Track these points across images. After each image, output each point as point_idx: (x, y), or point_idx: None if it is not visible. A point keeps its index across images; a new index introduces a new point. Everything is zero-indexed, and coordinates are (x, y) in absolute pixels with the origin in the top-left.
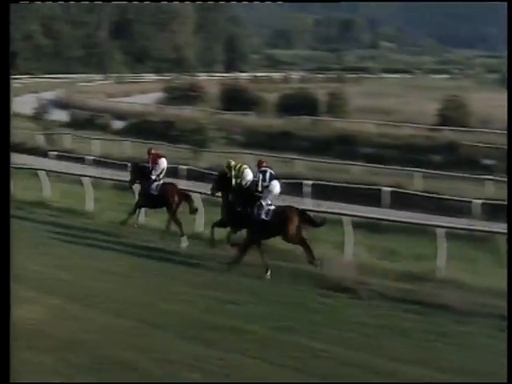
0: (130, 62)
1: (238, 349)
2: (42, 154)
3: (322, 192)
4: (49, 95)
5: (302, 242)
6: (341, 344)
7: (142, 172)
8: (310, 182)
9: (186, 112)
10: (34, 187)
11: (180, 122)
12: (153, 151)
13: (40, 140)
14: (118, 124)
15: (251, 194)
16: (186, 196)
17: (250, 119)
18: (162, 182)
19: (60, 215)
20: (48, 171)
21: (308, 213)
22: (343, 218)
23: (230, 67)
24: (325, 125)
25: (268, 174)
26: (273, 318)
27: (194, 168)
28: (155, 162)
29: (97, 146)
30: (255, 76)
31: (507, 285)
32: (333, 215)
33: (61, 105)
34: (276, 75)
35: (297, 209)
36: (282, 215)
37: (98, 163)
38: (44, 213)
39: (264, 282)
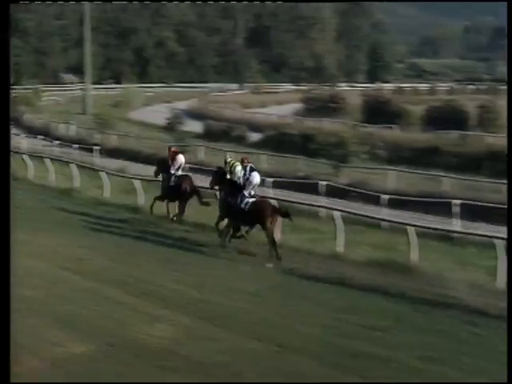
0: (266, 71)
1: (380, 378)
2: None
3: (472, 213)
4: (182, 105)
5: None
6: (490, 377)
7: (164, 166)
8: (459, 202)
9: (326, 124)
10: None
11: (319, 135)
12: (172, 149)
13: None
14: (254, 136)
15: (238, 186)
16: (196, 190)
17: (394, 133)
18: (178, 174)
19: (194, 231)
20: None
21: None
22: (496, 241)
23: (372, 77)
24: (475, 140)
25: (248, 168)
26: (416, 346)
27: (334, 184)
28: (173, 159)
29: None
30: (399, 87)
31: (507, 285)
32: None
33: (194, 115)
34: (422, 86)
35: (269, 202)
36: (257, 207)
37: None
38: (178, 228)
39: (407, 307)
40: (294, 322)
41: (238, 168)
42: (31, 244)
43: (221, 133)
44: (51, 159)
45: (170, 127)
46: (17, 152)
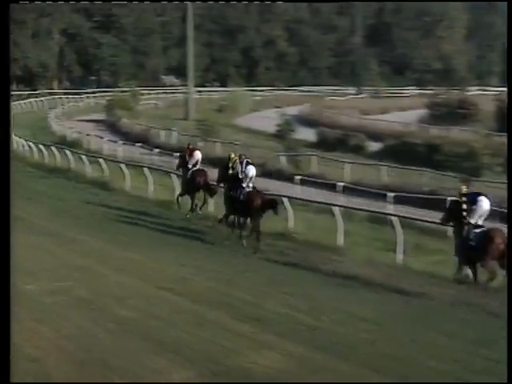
0: (387, 73)
1: None
2: (285, 177)
3: None
4: (293, 110)
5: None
6: None
7: (183, 161)
8: None
9: (454, 133)
10: (275, 216)
11: (446, 144)
12: (190, 146)
13: (283, 162)
14: (374, 146)
15: (237, 180)
16: (207, 182)
17: None
18: (194, 169)
19: (305, 250)
20: (291, 198)
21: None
22: None
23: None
24: None
25: (245, 162)
26: None
27: None
28: (191, 155)
29: (348, 170)
30: None
31: (507, 285)
32: None
33: (307, 122)
34: None
35: (260, 192)
36: (249, 195)
37: (349, 191)
38: (287, 246)
39: None
40: (418, 354)
41: (238, 163)
42: (129, 261)
43: (336, 142)
44: (150, 169)
45: (280, 135)
46: (112, 160)
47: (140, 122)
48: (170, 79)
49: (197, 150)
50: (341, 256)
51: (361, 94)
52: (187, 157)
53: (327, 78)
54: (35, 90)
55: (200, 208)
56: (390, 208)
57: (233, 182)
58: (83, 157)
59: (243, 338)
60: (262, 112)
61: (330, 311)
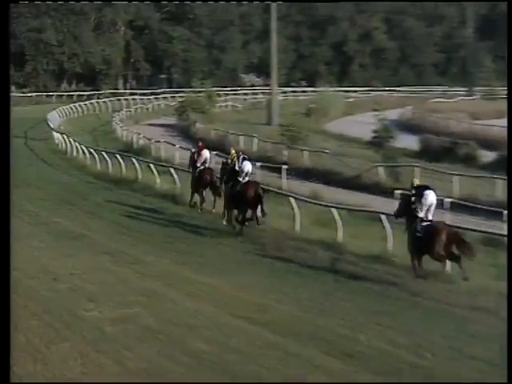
0: (503, 71)
1: None
2: (383, 191)
3: None
4: (392, 114)
5: (256, 206)
6: None
7: (192, 160)
8: None
9: None
10: (372, 236)
11: None
12: (200, 144)
13: (381, 174)
14: (487, 155)
15: (235, 174)
16: (213, 181)
17: None
18: (201, 168)
19: (406, 276)
20: (389, 216)
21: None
22: None
23: None
24: None
25: (241, 158)
26: None
27: None
28: (199, 154)
29: (457, 183)
30: None
31: (507, 285)
32: None
33: (409, 127)
34: None
35: (257, 183)
36: (244, 186)
37: (458, 207)
38: (385, 271)
39: None
40: None
41: (236, 158)
42: (203, 285)
43: (443, 150)
44: None
45: (378, 142)
46: (185, 170)
47: (216, 126)
48: (250, 78)
49: (205, 149)
50: (448, 284)
51: (472, 95)
52: (196, 155)
53: (432, 76)
54: (98, 90)
55: (200, 205)
56: (506, 228)
57: (231, 176)
58: (152, 166)
59: (333, 375)
60: (357, 116)
61: (435, 347)
